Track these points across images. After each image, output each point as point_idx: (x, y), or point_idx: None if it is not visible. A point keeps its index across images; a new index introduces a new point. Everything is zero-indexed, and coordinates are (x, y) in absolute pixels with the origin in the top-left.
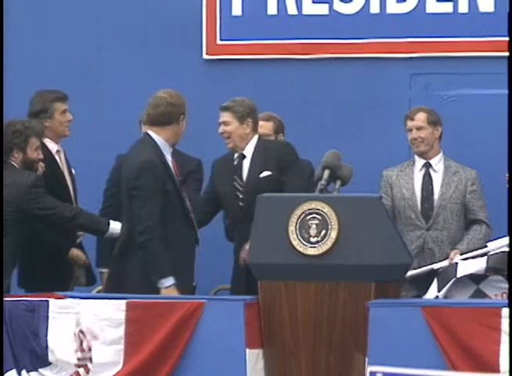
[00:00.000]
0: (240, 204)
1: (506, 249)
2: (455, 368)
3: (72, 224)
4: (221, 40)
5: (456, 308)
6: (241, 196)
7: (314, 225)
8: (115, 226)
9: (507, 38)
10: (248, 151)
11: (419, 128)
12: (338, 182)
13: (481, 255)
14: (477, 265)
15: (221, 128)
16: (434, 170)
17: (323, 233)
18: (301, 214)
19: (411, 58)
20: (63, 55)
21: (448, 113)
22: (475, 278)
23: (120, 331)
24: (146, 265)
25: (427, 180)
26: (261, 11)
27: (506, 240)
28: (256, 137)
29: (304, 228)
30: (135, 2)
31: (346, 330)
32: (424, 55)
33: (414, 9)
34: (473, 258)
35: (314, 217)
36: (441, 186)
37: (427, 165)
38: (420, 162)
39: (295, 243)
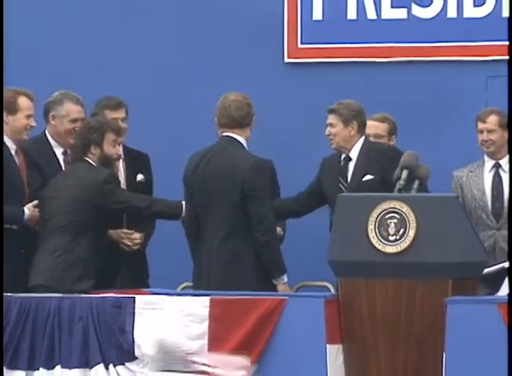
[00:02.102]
0: None
1: None
2: None
3: (149, 212)
4: (301, 44)
5: None
6: None
7: (392, 224)
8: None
9: None
10: (354, 153)
11: (490, 131)
12: (416, 182)
13: None
14: None
15: (327, 130)
16: (504, 170)
17: (402, 231)
18: (380, 213)
19: (487, 61)
20: (148, 58)
21: None
22: None
23: (204, 327)
24: (268, 261)
25: (497, 180)
26: (340, 16)
27: None
28: (362, 139)
29: (383, 226)
30: (218, 7)
31: (424, 326)
32: (501, 58)
33: (490, 13)
34: None
35: (393, 216)
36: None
37: (497, 166)
38: (490, 163)
39: (374, 241)
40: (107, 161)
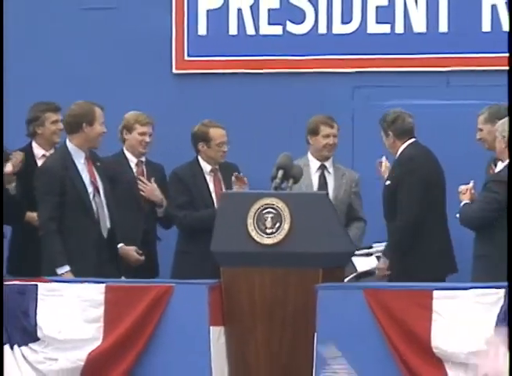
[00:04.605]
0: None
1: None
2: (392, 343)
3: None
4: (188, 56)
5: (394, 290)
6: None
7: (269, 218)
8: None
9: (433, 55)
10: None
11: (335, 136)
12: (291, 181)
13: (367, 255)
14: (370, 263)
15: None
16: (329, 172)
17: (277, 225)
18: (258, 208)
19: (354, 72)
20: (57, 69)
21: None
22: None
23: (100, 311)
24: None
25: (323, 181)
26: (223, 31)
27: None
28: (404, 145)
29: (261, 220)
30: (113, 23)
31: (297, 310)
32: (365, 70)
33: (356, 29)
34: (361, 255)
35: (269, 211)
36: (334, 189)
37: (323, 167)
38: (315, 164)
39: (253, 234)
40: None
